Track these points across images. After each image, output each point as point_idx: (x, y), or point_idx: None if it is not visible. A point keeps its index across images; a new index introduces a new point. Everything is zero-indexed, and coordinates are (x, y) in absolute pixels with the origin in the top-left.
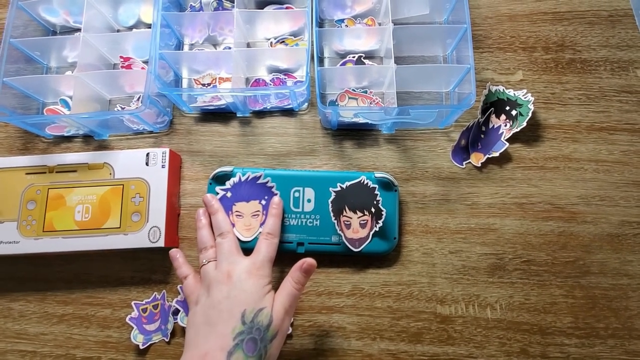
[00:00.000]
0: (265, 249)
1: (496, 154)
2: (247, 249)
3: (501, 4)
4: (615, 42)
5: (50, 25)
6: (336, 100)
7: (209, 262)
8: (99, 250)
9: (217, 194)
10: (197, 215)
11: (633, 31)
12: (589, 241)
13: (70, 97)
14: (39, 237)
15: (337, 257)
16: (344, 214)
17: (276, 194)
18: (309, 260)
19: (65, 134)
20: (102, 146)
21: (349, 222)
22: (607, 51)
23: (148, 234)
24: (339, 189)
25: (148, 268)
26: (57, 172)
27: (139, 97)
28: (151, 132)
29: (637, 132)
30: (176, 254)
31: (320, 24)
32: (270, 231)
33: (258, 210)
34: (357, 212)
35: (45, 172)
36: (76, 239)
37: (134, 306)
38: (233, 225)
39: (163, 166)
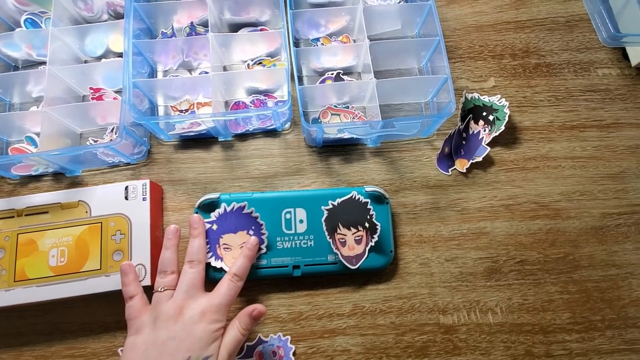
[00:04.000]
0: (227, 291)
1: (479, 159)
2: None
3: (467, 16)
4: (575, 45)
5: (12, 60)
6: (319, 117)
7: (165, 289)
8: (78, 296)
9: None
10: (166, 231)
11: (590, 34)
12: (575, 236)
13: (37, 134)
14: (11, 287)
15: (335, 277)
16: (338, 231)
17: (262, 224)
18: (260, 308)
19: (33, 173)
20: (75, 183)
21: (343, 240)
22: (569, 54)
23: None
24: (330, 206)
25: None
26: (26, 215)
27: (112, 129)
28: (128, 163)
29: (605, 128)
30: (128, 268)
31: (296, 43)
32: (237, 272)
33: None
34: (351, 228)
35: (13, 217)
36: (52, 286)
37: (120, 354)
38: (221, 258)
39: (144, 199)
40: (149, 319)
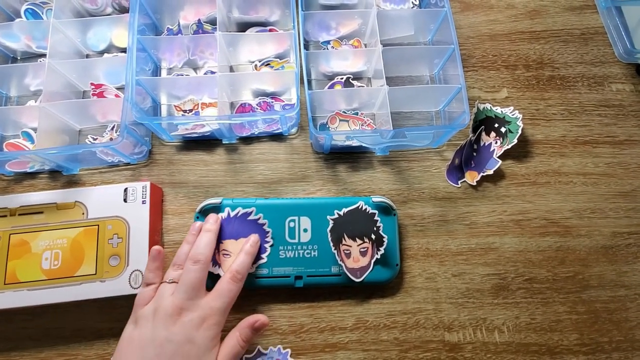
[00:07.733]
0: (228, 292)
1: (490, 172)
2: None
3: (481, 24)
4: (590, 59)
5: (10, 51)
6: (327, 123)
7: (172, 282)
8: (71, 301)
9: None
10: (192, 227)
11: (605, 48)
12: (585, 255)
13: (34, 129)
14: (0, 290)
15: (338, 289)
16: (343, 242)
17: (268, 232)
18: (262, 319)
19: (29, 170)
20: (72, 182)
21: (348, 251)
22: (583, 67)
23: (129, 279)
24: (336, 216)
25: (128, 317)
26: (20, 214)
27: (112, 127)
28: (128, 164)
29: (618, 145)
30: (157, 255)
31: (305, 46)
32: (239, 269)
33: None
34: (357, 239)
35: (5, 216)
36: (44, 291)
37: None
38: (219, 265)
39: (144, 202)
40: (150, 310)
